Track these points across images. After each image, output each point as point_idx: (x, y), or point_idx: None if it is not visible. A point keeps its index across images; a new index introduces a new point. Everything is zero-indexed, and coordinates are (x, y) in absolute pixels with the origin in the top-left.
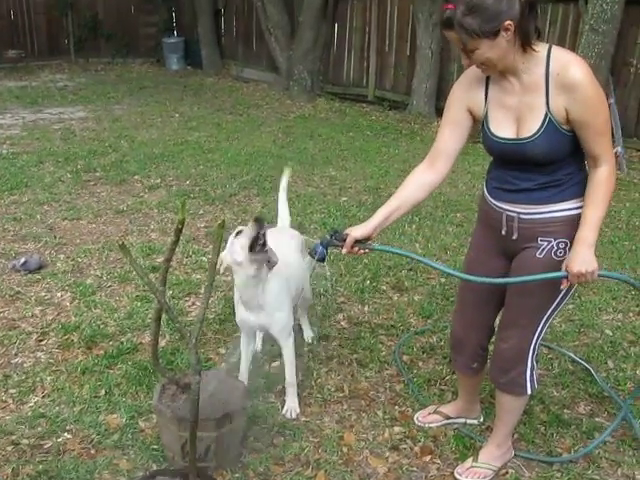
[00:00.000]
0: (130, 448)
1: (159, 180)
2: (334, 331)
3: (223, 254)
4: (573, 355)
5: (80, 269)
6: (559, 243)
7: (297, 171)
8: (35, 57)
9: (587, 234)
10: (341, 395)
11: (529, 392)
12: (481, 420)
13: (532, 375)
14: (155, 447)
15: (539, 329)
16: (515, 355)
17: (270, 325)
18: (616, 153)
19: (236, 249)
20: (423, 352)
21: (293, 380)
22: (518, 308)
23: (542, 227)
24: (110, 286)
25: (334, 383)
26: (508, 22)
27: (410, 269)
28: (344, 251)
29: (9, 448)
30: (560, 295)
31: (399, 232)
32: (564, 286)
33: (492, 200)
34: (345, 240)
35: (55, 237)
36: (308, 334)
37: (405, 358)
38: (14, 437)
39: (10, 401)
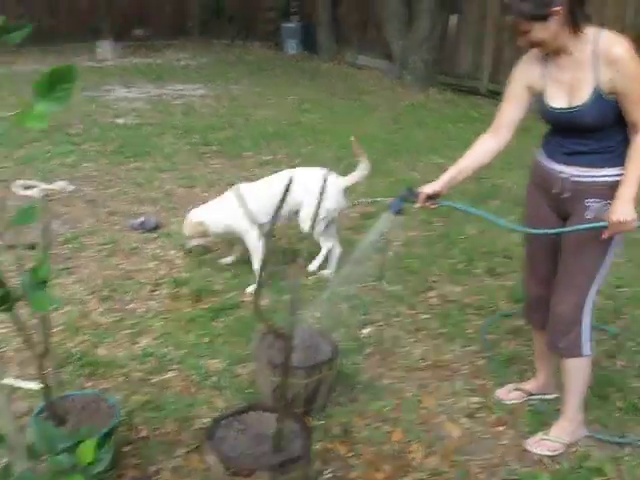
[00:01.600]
0: (226, 390)
1: (270, 157)
2: (424, 306)
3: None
4: None
5: None
6: (606, 205)
7: (403, 157)
8: (161, 36)
9: (626, 190)
10: (425, 364)
11: (588, 353)
12: (557, 395)
13: (588, 336)
14: (249, 390)
15: (592, 289)
16: (573, 316)
17: None
18: None
19: None
20: (508, 333)
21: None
22: (572, 269)
23: (591, 189)
24: (218, 249)
25: (419, 353)
26: (557, 7)
27: (505, 256)
28: (418, 205)
29: (121, 379)
30: (608, 254)
31: None
32: (604, 236)
33: (547, 162)
34: (418, 196)
35: (170, 202)
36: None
37: (490, 337)
38: (125, 370)
39: (124, 340)
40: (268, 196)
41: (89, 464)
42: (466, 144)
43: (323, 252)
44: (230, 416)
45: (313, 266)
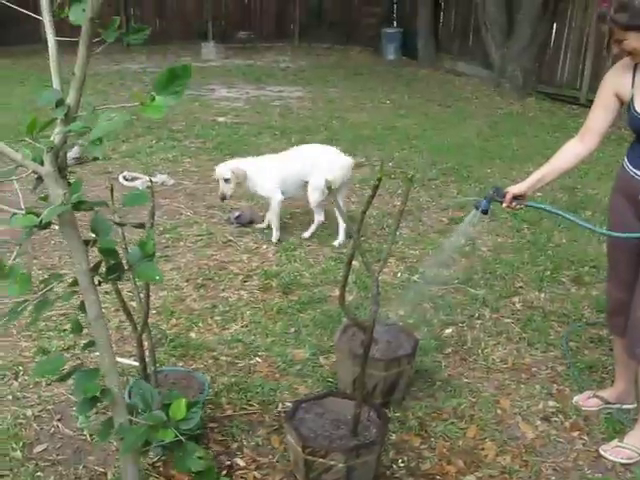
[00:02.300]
0: (309, 377)
1: (364, 159)
2: (508, 311)
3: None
4: None
5: (285, 228)
6: None
7: (497, 165)
8: (263, 39)
9: None
10: (504, 366)
11: None
12: (635, 405)
13: None
14: (330, 380)
15: None
16: None
17: None
18: None
19: None
20: (591, 342)
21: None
22: None
23: None
24: (309, 245)
25: (499, 355)
26: None
27: (593, 266)
28: (504, 205)
29: (210, 361)
30: None
31: None
32: None
33: (633, 169)
34: (505, 196)
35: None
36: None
37: (572, 344)
38: (215, 353)
39: (214, 325)
40: (286, 168)
41: (180, 420)
42: None
43: (315, 223)
44: (310, 400)
45: (306, 234)
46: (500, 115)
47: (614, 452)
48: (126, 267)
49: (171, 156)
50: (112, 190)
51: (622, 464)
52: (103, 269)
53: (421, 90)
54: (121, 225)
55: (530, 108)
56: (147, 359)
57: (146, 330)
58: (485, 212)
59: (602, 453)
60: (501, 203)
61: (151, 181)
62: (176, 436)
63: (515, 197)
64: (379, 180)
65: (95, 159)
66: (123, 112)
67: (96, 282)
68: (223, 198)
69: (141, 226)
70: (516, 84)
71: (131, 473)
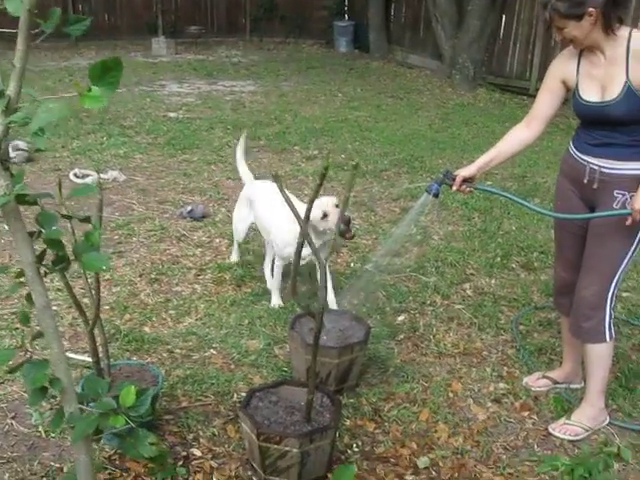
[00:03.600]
0: (264, 368)
1: (316, 152)
2: (459, 297)
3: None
4: None
5: None
6: (632, 196)
7: (448, 155)
8: (214, 33)
9: None
10: (455, 351)
11: (608, 339)
12: (582, 385)
13: (610, 323)
14: (285, 369)
15: (617, 276)
16: (596, 302)
17: None
18: None
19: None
20: (540, 325)
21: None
22: (598, 255)
23: (619, 181)
24: (263, 238)
25: (451, 340)
26: (591, 9)
27: (542, 252)
28: (454, 188)
29: (164, 354)
30: (635, 241)
31: None
32: (628, 222)
33: (578, 154)
34: (455, 179)
35: (219, 192)
36: None
37: (521, 328)
38: (169, 347)
39: (168, 319)
40: None
41: (130, 407)
42: None
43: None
44: (265, 389)
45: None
46: (451, 106)
47: (562, 429)
48: (73, 258)
49: (122, 152)
50: (60, 184)
51: (570, 441)
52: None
53: (373, 82)
54: (67, 218)
55: (481, 99)
56: (100, 354)
57: (98, 324)
58: (436, 195)
59: (551, 431)
60: (451, 186)
61: (100, 177)
62: (127, 422)
63: (465, 180)
64: (326, 169)
65: (38, 150)
66: (62, 103)
67: (42, 273)
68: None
69: (87, 219)
70: (466, 75)
71: (83, 463)
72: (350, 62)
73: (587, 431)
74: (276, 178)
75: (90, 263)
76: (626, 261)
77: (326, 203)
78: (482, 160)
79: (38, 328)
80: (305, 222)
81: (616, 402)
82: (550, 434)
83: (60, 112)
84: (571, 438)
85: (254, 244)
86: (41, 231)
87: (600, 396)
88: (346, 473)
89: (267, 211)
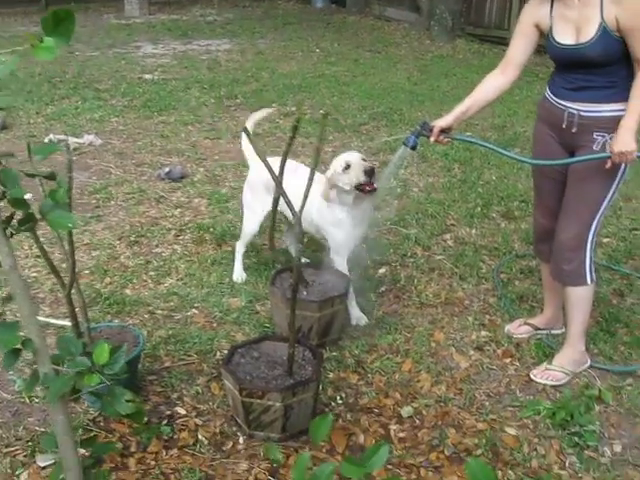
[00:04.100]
0: (246, 325)
1: (294, 108)
2: (440, 248)
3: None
4: None
5: (217, 181)
6: (612, 137)
7: (427, 107)
8: None
9: (628, 121)
10: (437, 301)
11: (589, 282)
12: (563, 330)
13: (591, 266)
14: (267, 325)
15: (596, 218)
16: (576, 245)
17: None
18: None
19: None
20: (521, 273)
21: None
22: (577, 198)
23: (598, 123)
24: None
25: (432, 290)
26: None
27: (522, 201)
28: (432, 139)
29: (146, 316)
30: (613, 184)
31: None
32: (608, 165)
33: (555, 99)
34: (432, 131)
35: (196, 153)
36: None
37: (503, 276)
38: (150, 308)
39: (149, 281)
40: None
41: (104, 365)
42: None
43: None
44: (246, 345)
45: None
46: (430, 58)
47: (544, 375)
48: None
49: (98, 116)
50: (29, 146)
51: (552, 386)
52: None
53: (350, 37)
54: (31, 176)
55: (459, 50)
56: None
57: (75, 287)
58: (414, 148)
59: (533, 377)
60: (429, 138)
61: (74, 140)
62: (101, 380)
63: (442, 131)
64: (298, 121)
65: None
66: (14, 56)
67: (9, 234)
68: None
69: (52, 177)
70: (445, 27)
71: (61, 423)
72: (327, 17)
73: (568, 375)
74: (245, 131)
75: (56, 221)
76: (605, 204)
77: (350, 154)
78: (458, 110)
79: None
80: (280, 175)
81: (597, 346)
82: (532, 380)
83: (12, 64)
84: (553, 383)
85: (234, 202)
86: (5, 192)
87: (581, 339)
88: (323, 423)
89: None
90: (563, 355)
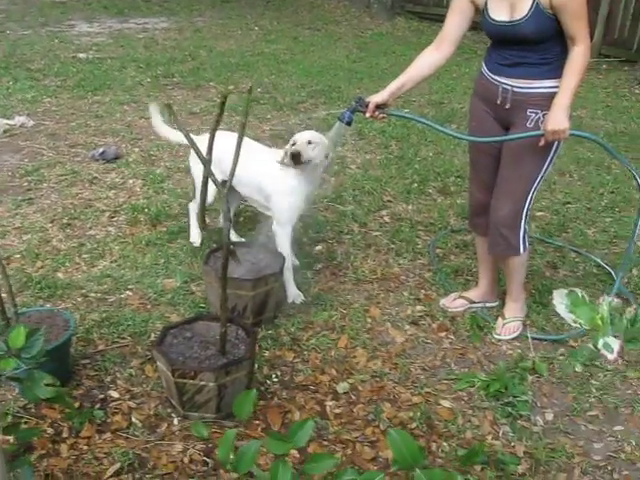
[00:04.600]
0: (181, 305)
1: (232, 87)
2: (377, 224)
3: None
4: (599, 260)
5: (152, 161)
6: (545, 114)
7: (365, 84)
8: None
9: (562, 99)
10: (373, 277)
11: (522, 252)
12: (498, 303)
13: (524, 237)
14: (202, 305)
15: (530, 195)
16: (511, 221)
17: None
18: None
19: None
20: (456, 247)
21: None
22: (511, 176)
23: (532, 100)
24: (178, 176)
25: (369, 267)
26: None
27: (459, 176)
28: (367, 114)
29: (79, 299)
30: (546, 161)
31: None
32: (541, 143)
33: (490, 74)
34: (368, 106)
35: (132, 133)
36: None
37: (438, 251)
38: (84, 291)
39: (82, 264)
40: None
41: (21, 349)
42: None
43: None
44: (179, 326)
45: None
46: (369, 36)
47: (506, 330)
48: None
49: (30, 96)
50: None
51: (513, 338)
52: None
53: (290, 15)
54: None
55: (399, 28)
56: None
57: (2, 272)
58: (349, 123)
59: (498, 337)
60: (364, 113)
61: (8, 130)
62: (18, 365)
63: (378, 106)
64: (225, 97)
65: None
66: None
67: None
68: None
69: None
70: (384, 4)
71: None
72: None
73: (522, 321)
74: (168, 107)
75: None
76: (538, 180)
77: (303, 135)
78: (394, 85)
79: None
80: (209, 153)
81: (530, 318)
82: (499, 341)
83: None
84: (516, 334)
85: (169, 182)
86: None
87: (521, 292)
88: (247, 398)
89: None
90: (509, 308)
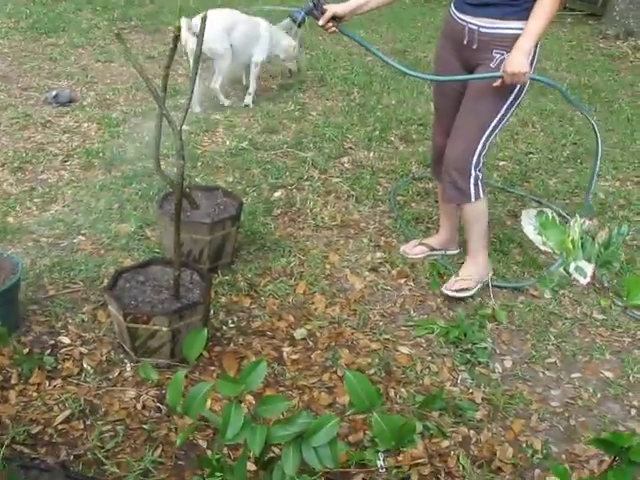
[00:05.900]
0: (135, 251)
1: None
2: (337, 171)
3: None
4: (560, 210)
5: (108, 105)
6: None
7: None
8: None
9: (524, 42)
10: (333, 224)
11: (472, 200)
12: (459, 251)
13: (476, 184)
14: (157, 250)
15: (483, 138)
16: (461, 163)
17: None
18: None
19: None
20: (417, 195)
21: None
22: (468, 114)
23: (498, 41)
24: (135, 120)
25: (328, 213)
26: None
27: (421, 124)
28: (320, 22)
29: (30, 244)
30: (505, 105)
31: None
32: (496, 84)
33: (457, 13)
34: (324, 14)
35: (87, 76)
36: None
37: (399, 199)
38: (34, 236)
39: (34, 208)
40: None
41: None
42: (393, 19)
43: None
44: (132, 269)
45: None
46: None
47: (454, 286)
48: None
49: None
50: None
51: (462, 297)
52: None
53: None
54: None
55: None
56: None
57: None
58: (300, 25)
59: (445, 292)
60: (317, 19)
61: None
62: None
63: (334, 18)
64: (179, 29)
65: None
66: None
67: None
68: None
69: None
70: None
71: None
72: None
73: (477, 283)
74: (118, 37)
75: None
76: (494, 123)
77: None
78: (355, 2)
79: None
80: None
81: (492, 266)
82: (448, 297)
83: None
84: (463, 295)
85: (125, 126)
86: None
87: (480, 251)
88: (197, 339)
89: None
90: (466, 267)
